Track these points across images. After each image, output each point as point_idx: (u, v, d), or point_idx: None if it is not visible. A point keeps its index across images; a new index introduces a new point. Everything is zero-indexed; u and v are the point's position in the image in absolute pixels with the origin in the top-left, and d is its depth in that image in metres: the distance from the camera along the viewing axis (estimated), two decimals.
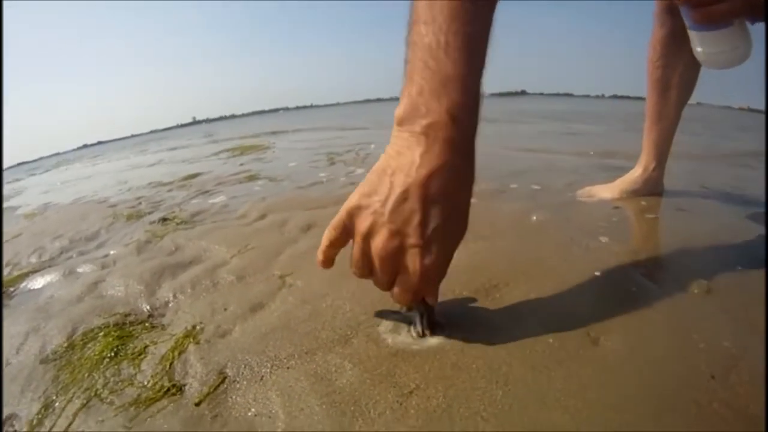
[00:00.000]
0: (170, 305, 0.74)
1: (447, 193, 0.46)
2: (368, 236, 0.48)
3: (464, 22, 0.45)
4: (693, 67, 0.96)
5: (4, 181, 3.89)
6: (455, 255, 0.51)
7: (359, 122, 4.92)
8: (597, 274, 0.69)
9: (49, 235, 1.29)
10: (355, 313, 0.63)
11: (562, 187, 1.25)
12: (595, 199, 1.11)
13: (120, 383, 0.55)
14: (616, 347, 0.51)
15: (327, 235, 0.52)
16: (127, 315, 0.72)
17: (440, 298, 0.54)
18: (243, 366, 0.54)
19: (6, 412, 0.52)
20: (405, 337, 0.56)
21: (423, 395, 0.46)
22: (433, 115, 0.45)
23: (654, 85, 1.01)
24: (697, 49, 0.67)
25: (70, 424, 0.49)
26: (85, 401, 0.52)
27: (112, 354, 0.61)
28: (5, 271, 1.02)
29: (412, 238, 0.46)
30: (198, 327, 0.65)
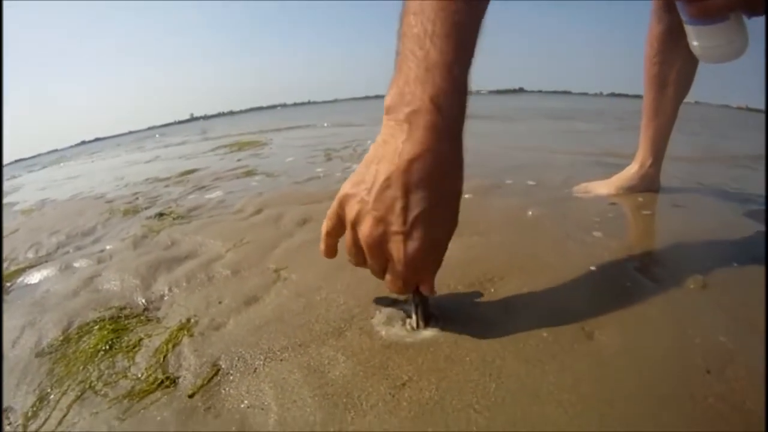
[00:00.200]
0: (165, 299, 0.74)
1: (430, 180, 0.46)
2: (355, 224, 0.49)
3: (452, 11, 0.45)
4: (690, 63, 0.96)
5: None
6: (450, 248, 0.51)
7: (358, 119, 4.91)
8: (592, 269, 0.69)
9: (46, 230, 1.28)
10: (349, 306, 0.63)
11: (558, 183, 1.25)
12: (592, 195, 1.11)
13: (114, 376, 0.55)
14: (610, 342, 0.51)
15: (324, 225, 0.53)
16: (122, 308, 0.72)
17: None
18: (236, 358, 0.55)
19: None
20: (398, 330, 0.56)
21: (416, 387, 0.46)
22: (417, 102, 0.45)
23: (651, 82, 1.01)
24: (694, 44, 0.67)
25: (64, 417, 0.49)
26: (79, 393, 0.52)
27: (107, 347, 0.61)
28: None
29: (395, 225, 0.46)
30: (192, 320, 0.65)
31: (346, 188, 0.50)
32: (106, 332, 0.64)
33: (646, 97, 1.04)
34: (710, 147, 2.48)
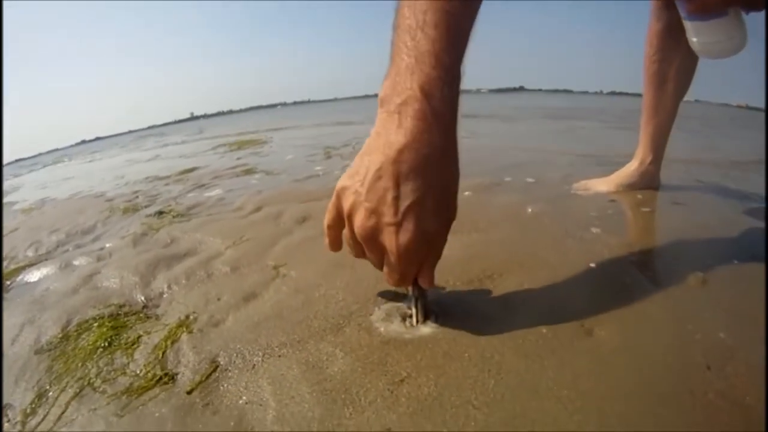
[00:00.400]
0: (164, 296, 0.74)
1: (421, 170, 0.45)
2: (350, 216, 0.49)
3: (444, 1, 0.45)
4: (690, 60, 0.96)
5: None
6: (449, 245, 0.51)
7: (358, 117, 4.90)
8: (591, 265, 0.69)
9: (46, 229, 1.28)
10: (348, 302, 0.63)
11: (558, 180, 1.25)
12: (591, 192, 1.11)
13: (113, 372, 0.55)
14: (610, 338, 0.51)
15: (325, 218, 0.53)
16: (121, 306, 0.72)
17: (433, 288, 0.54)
18: (235, 355, 0.54)
19: None
20: (397, 326, 0.56)
21: (414, 383, 0.46)
22: (407, 92, 0.45)
23: (651, 79, 1.01)
24: (693, 40, 0.67)
25: (62, 413, 0.49)
26: (78, 390, 0.52)
27: (106, 344, 0.61)
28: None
29: (387, 216, 0.46)
30: (191, 317, 0.65)
31: (342, 181, 0.50)
32: (105, 329, 0.64)
33: (645, 95, 1.04)
34: (710, 146, 2.48)
